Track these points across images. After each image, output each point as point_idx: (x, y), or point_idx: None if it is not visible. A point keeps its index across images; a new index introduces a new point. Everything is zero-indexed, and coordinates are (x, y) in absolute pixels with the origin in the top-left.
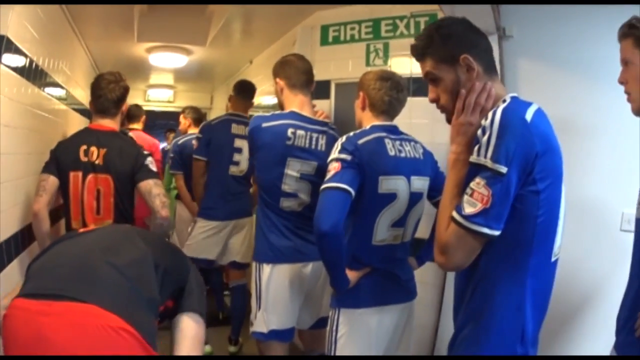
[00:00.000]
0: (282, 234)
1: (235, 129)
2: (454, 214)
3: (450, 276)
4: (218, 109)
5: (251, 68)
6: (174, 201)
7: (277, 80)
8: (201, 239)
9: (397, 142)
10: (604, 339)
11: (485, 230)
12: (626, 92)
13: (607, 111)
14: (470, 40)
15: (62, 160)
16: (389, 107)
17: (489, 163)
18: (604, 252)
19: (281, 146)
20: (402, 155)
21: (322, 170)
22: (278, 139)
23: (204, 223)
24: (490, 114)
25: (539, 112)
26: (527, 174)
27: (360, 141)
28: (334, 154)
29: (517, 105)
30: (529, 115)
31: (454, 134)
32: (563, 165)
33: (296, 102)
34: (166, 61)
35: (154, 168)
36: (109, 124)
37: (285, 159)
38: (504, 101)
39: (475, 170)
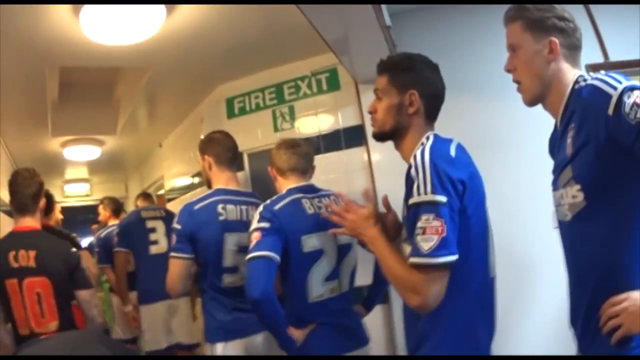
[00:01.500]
0: (229, 310)
1: (145, 213)
2: (414, 259)
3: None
4: (134, 197)
5: (161, 151)
6: (108, 294)
7: (205, 157)
8: (152, 329)
9: (316, 200)
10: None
11: (450, 258)
12: (515, 80)
13: (512, 121)
14: (425, 78)
15: None
16: (294, 164)
17: (430, 197)
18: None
19: (215, 223)
20: (322, 211)
21: None
22: (211, 217)
23: (146, 310)
24: (419, 155)
25: (459, 147)
26: (459, 201)
27: (277, 207)
28: (254, 224)
29: (441, 143)
30: (452, 150)
31: (358, 231)
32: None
33: (223, 179)
34: (80, 154)
35: (87, 271)
36: (31, 222)
37: (222, 235)
38: (428, 138)
39: (416, 210)
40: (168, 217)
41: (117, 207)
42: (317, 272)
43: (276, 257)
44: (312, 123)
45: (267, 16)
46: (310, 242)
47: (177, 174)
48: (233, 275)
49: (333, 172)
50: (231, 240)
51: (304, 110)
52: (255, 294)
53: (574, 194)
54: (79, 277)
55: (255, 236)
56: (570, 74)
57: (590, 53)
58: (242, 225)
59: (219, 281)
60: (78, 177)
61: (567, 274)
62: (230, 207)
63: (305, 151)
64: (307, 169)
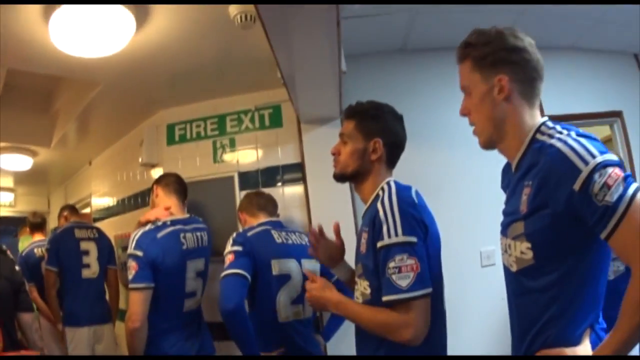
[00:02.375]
0: (182, 337)
1: (79, 233)
2: (392, 297)
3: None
4: (56, 212)
5: (91, 169)
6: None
7: (154, 186)
8: (77, 352)
9: (283, 233)
10: None
11: (427, 290)
12: (471, 123)
13: (455, 169)
14: (390, 128)
15: None
16: (264, 206)
17: (402, 238)
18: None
19: (179, 251)
20: (290, 242)
21: (207, 264)
22: (175, 245)
23: (70, 333)
24: (386, 200)
25: (417, 193)
26: (424, 242)
27: (249, 233)
28: (228, 247)
29: (403, 190)
30: (414, 196)
31: (323, 307)
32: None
33: (172, 207)
34: (12, 163)
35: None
36: None
37: (185, 262)
38: (388, 185)
39: (387, 251)
40: (101, 239)
41: (36, 222)
42: (285, 295)
43: (248, 276)
44: (252, 157)
45: (218, 46)
46: (280, 266)
47: (105, 194)
48: (191, 300)
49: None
50: (191, 267)
51: (244, 143)
52: (229, 306)
53: (523, 250)
54: (22, 299)
55: (229, 257)
56: (528, 116)
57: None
58: (198, 252)
59: (180, 307)
60: (3, 185)
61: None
62: (189, 235)
63: (272, 198)
64: (274, 212)
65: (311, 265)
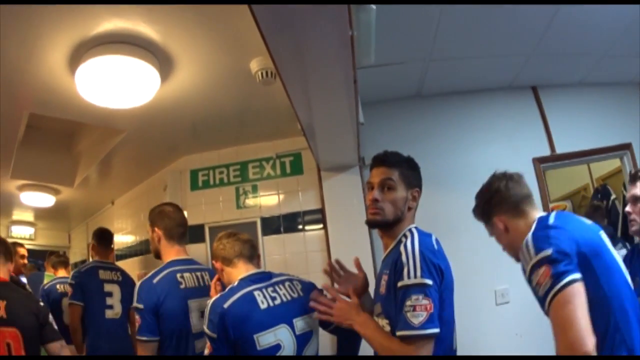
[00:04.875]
0: None
1: (103, 274)
2: (405, 332)
3: None
4: (76, 247)
5: (113, 209)
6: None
7: (155, 229)
8: None
9: (270, 289)
10: None
11: (436, 330)
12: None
13: (463, 211)
14: (421, 179)
15: None
16: (240, 250)
17: (420, 280)
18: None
19: (177, 291)
20: (277, 302)
21: None
22: (172, 287)
23: None
24: (409, 246)
25: (437, 241)
26: (439, 286)
27: (227, 304)
28: (204, 325)
29: (425, 236)
30: (434, 244)
31: (347, 318)
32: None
33: (173, 252)
34: (35, 200)
35: (55, 325)
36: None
37: (186, 302)
38: (411, 231)
39: (405, 291)
40: (124, 282)
41: (59, 260)
42: None
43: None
44: (274, 203)
45: (240, 98)
46: (265, 340)
47: (127, 233)
48: (202, 341)
49: (292, 251)
50: (194, 307)
51: (266, 189)
52: None
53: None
54: (48, 330)
55: (207, 346)
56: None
57: (537, 146)
58: (201, 291)
59: (191, 349)
60: (24, 219)
61: None
62: (187, 274)
63: (247, 238)
64: (252, 256)
65: (305, 322)
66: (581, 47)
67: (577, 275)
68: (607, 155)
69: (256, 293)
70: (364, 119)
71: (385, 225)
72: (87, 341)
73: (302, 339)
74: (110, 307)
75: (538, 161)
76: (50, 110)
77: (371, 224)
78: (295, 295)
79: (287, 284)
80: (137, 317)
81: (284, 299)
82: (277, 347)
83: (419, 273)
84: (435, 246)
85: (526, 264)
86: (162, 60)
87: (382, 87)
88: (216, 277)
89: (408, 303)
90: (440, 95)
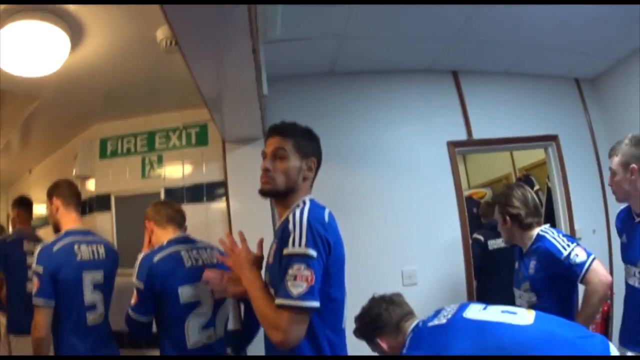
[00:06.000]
0: (89, 349)
1: (27, 246)
2: (282, 300)
3: None
4: None
5: (30, 178)
6: None
7: (54, 199)
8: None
9: (194, 252)
10: None
11: (314, 303)
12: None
13: (379, 190)
14: (319, 150)
15: None
16: (172, 217)
17: (304, 250)
18: None
19: (73, 262)
20: (199, 263)
21: (108, 277)
22: (70, 257)
23: (14, 340)
24: (297, 214)
25: (330, 215)
26: (325, 260)
27: (156, 258)
28: (134, 277)
29: (317, 207)
30: (326, 216)
31: (238, 270)
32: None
33: (71, 220)
34: None
35: None
36: None
37: (81, 273)
38: (304, 202)
39: (289, 259)
40: None
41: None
42: (194, 321)
43: (147, 320)
44: (178, 174)
45: (147, 67)
46: (187, 293)
47: (43, 202)
48: (93, 313)
49: (194, 222)
50: (88, 279)
51: (172, 160)
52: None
53: None
54: None
55: (134, 296)
56: None
57: (454, 131)
58: (96, 264)
59: (83, 320)
60: None
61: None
62: (83, 247)
63: (179, 208)
64: (182, 224)
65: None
66: (508, 36)
67: None
68: (529, 144)
69: (183, 253)
70: (269, 92)
71: (276, 194)
72: (9, 313)
73: (218, 301)
74: (31, 279)
75: (453, 144)
76: None
77: (262, 193)
78: (214, 261)
79: (208, 250)
80: (35, 279)
81: (206, 262)
82: (197, 303)
83: (304, 242)
84: (327, 219)
85: None
86: (73, 27)
87: (293, 62)
88: (147, 235)
89: (290, 272)
90: (355, 73)
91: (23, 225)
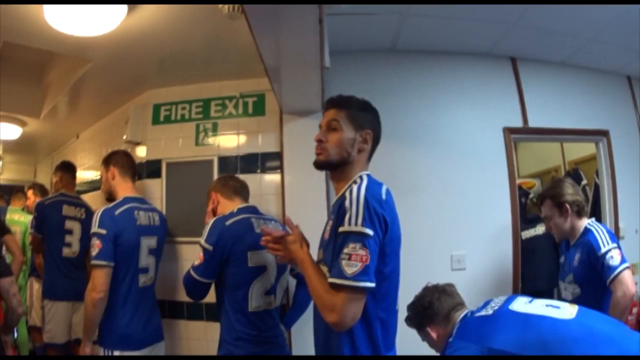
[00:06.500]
0: (136, 310)
1: (67, 210)
2: (336, 280)
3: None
4: (41, 182)
5: (77, 143)
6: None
7: (110, 167)
8: (53, 324)
9: (262, 222)
10: None
11: (369, 284)
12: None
13: (434, 171)
14: (377, 122)
15: None
16: (240, 190)
17: (360, 228)
18: None
19: (134, 226)
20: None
21: (160, 243)
22: (131, 221)
23: (49, 305)
24: (355, 191)
25: (388, 191)
26: (382, 238)
27: (229, 222)
28: (202, 239)
29: (374, 184)
30: (383, 193)
31: (293, 255)
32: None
33: (128, 188)
34: (2, 131)
35: (8, 259)
36: None
37: (139, 238)
38: (361, 178)
39: (345, 237)
40: (87, 220)
41: (45, 194)
42: (258, 286)
43: (209, 281)
44: (233, 143)
45: (206, 33)
46: (256, 258)
47: (89, 168)
48: (145, 276)
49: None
50: (145, 243)
51: (227, 129)
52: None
53: None
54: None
55: (200, 256)
56: None
57: (510, 117)
58: (152, 229)
59: (135, 282)
60: None
61: None
62: (142, 213)
63: (245, 183)
64: (247, 198)
65: None
66: (566, 26)
67: None
68: (582, 137)
69: (252, 219)
70: (330, 65)
71: (329, 166)
72: (44, 278)
73: (282, 266)
74: (69, 245)
75: (509, 131)
76: (21, 39)
77: (316, 164)
78: None
79: (273, 222)
80: (97, 241)
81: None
82: (263, 268)
83: (360, 220)
84: (384, 196)
85: None
86: None
87: (355, 36)
88: (210, 206)
89: (345, 250)
90: (415, 52)
91: (67, 188)
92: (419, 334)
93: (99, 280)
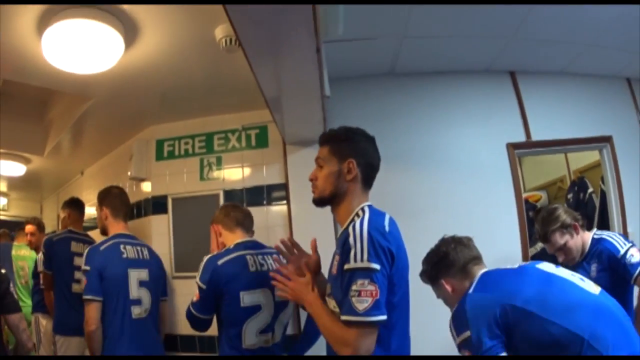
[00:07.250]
0: (131, 342)
1: (75, 247)
2: (348, 317)
3: None
4: (47, 218)
5: (82, 179)
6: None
7: (103, 208)
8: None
9: (259, 257)
10: None
11: (381, 317)
12: None
13: (438, 193)
14: (362, 149)
15: None
16: (241, 220)
17: (366, 264)
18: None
19: (119, 259)
20: (264, 268)
21: (154, 276)
22: (116, 254)
23: (60, 340)
24: (357, 226)
25: (391, 221)
26: (389, 270)
27: (220, 261)
28: (197, 277)
29: (376, 216)
30: (386, 225)
31: (299, 297)
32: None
33: (119, 228)
34: (5, 169)
35: (15, 295)
36: None
37: (127, 270)
38: (363, 210)
39: (351, 274)
40: None
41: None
42: (252, 325)
43: (208, 318)
44: (238, 176)
45: (206, 67)
46: (249, 298)
47: (94, 205)
48: (139, 307)
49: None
50: (134, 276)
51: (231, 162)
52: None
53: None
54: (8, 301)
55: (195, 294)
56: None
57: (512, 132)
58: (140, 263)
59: (128, 313)
60: None
61: None
62: (129, 247)
63: (248, 212)
64: (250, 227)
65: None
66: (564, 35)
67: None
68: (585, 146)
69: (248, 257)
70: (330, 93)
71: (324, 202)
72: (56, 314)
73: (280, 305)
74: (78, 281)
75: (512, 146)
76: (21, 76)
77: (314, 202)
78: None
79: (274, 256)
80: (83, 278)
81: (270, 268)
82: (257, 307)
83: (365, 257)
84: (387, 227)
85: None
86: (127, 25)
87: (353, 62)
88: (214, 238)
89: (354, 287)
90: (415, 74)
91: (75, 226)
92: (434, 288)
93: (89, 314)
